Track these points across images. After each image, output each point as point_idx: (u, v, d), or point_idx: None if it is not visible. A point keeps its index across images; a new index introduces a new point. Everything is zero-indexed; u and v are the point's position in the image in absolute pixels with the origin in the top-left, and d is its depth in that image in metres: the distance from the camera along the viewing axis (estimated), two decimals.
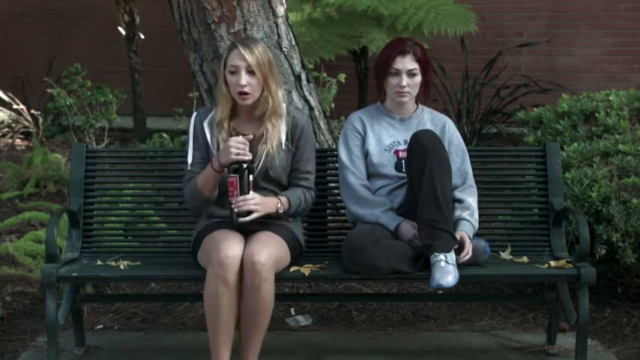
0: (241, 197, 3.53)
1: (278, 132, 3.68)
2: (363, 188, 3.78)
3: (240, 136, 3.57)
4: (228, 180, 3.55)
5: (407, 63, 3.76)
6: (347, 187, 3.80)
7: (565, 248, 3.93)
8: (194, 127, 3.75)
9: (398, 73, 3.76)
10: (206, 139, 3.71)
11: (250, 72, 3.60)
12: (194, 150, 3.74)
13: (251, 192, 3.55)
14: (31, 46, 9.16)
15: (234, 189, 3.53)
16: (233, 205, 3.53)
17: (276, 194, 3.73)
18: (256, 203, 3.54)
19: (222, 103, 3.69)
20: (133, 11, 8.07)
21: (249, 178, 3.54)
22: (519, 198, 4.14)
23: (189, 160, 3.73)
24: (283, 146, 3.70)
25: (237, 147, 3.52)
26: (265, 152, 3.66)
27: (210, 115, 3.75)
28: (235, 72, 3.61)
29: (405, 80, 3.76)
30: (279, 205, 3.63)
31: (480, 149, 4.50)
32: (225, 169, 3.58)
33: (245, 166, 3.53)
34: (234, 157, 3.52)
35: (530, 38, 8.32)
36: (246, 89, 3.60)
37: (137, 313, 4.48)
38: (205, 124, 3.72)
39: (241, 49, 3.60)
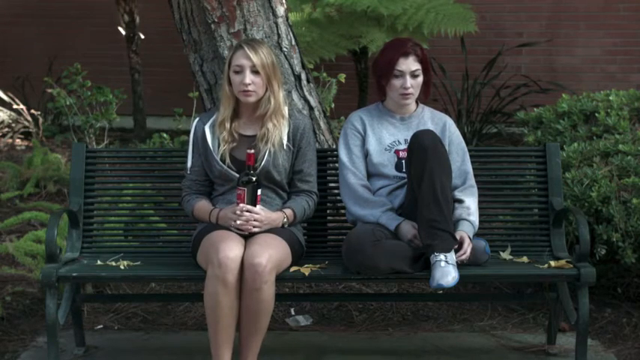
0: (247, 210, 3.55)
1: (279, 132, 3.72)
2: (363, 188, 3.78)
3: (244, 210, 3.58)
4: (237, 192, 3.58)
5: (410, 64, 3.76)
6: (347, 187, 3.80)
7: (565, 248, 3.93)
8: (195, 132, 3.80)
9: (402, 74, 3.76)
10: (206, 142, 3.73)
11: (255, 72, 3.67)
12: (193, 156, 3.78)
13: (258, 206, 3.59)
14: (31, 46, 9.16)
15: (241, 201, 3.56)
16: (233, 225, 3.56)
17: (278, 195, 3.76)
18: (259, 220, 3.57)
19: (224, 104, 3.73)
20: (133, 11, 8.06)
21: (257, 191, 3.57)
22: (519, 198, 4.14)
23: (188, 164, 3.81)
24: (284, 146, 3.72)
25: (240, 226, 3.56)
26: (267, 151, 3.68)
27: (212, 119, 3.78)
28: (240, 71, 3.68)
29: (409, 81, 3.76)
30: (284, 219, 3.68)
31: (480, 149, 4.50)
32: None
33: (254, 179, 3.56)
34: (232, 227, 3.57)
35: (530, 38, 8.32)
36: (250, 87, 3.66)
37: (137, 313, 4.48)
38: (207, 127, 3.76)
39: (246, 49, 3.68)
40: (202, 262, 3.56)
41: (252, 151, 3.60)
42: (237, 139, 3.75)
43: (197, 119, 3.85)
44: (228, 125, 3.73)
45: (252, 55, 3.66)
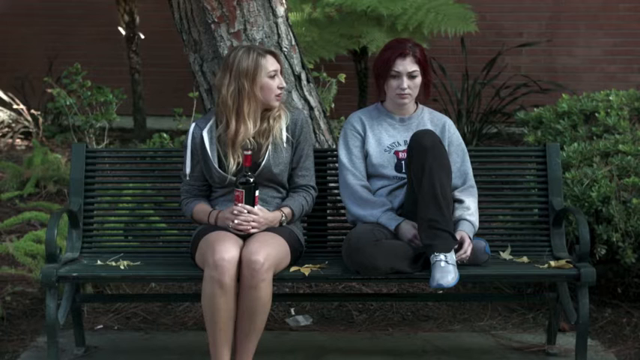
0: (246, 211, 3.55)
1: (279, 125, 3.73)
2: (363, 189, 3.78)
3: (243, 209, 3.58)
4: (235, 193, 3.58)
5: (407, 65, 3.76)
6: (347, 188, 3.80)
7: (565, 248, 3.93)
8: (192, 138, 3.76)
9: (398, 75, 3.77)
10: (205, 149, 3.72)
11: (281, 74, 3.77)
12: (192, 163, 3.76)
13: (256, 206, 3.58)
14: (31, 46, 9.16)
15: (239, 202, 3.56)
16: (231, 225, 3.56)
17: (279, 193, 3.76)
18: (258, 221, 3.57)
19: (251, 115, 3.69)
20: (133, 11, 8.06)
21: (254, 193, 3.57)
22: (519, 198, 4.14)
23: (187, 170, 3.78)
24: (284, 142, 3.73)
25: (237, 226, 3.56)
26: (268, 146, 3.68)
27: (209, 123, 3.75)
28: (275, 75, 3.72)
29: (406, 82, 3.76)
30: (282, 218, 3.68)
31: (480, 149, 4.50)
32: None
33: (252, 180, 3.55)
34: (230, 228, 3.57)
35: (530, 38, 8.32)
36: (282, 90, 3.75)
37: (137, 313, 4.48)
38: (205, 133, 3.73)
39: (276, 53, 3.77)
40: (200, 263, 3.55)
41: (250, 152, 3.60)
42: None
43: (193, 124, 3.79)
44: (252, 139, 3.72)
45: (279, 59, 3.75)
